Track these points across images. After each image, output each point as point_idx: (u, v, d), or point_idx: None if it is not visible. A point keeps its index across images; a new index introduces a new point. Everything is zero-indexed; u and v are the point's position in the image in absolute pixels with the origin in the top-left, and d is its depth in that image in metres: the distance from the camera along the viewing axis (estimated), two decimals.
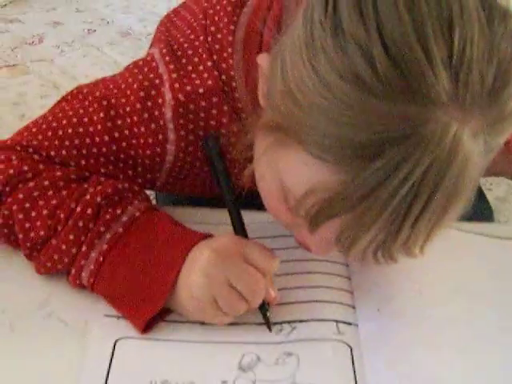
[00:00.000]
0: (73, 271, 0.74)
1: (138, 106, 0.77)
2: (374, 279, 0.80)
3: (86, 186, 0.76)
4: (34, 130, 0.79)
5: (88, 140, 0.78)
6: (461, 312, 0.77)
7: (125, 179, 0.80)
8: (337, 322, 0.74)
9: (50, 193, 0.75)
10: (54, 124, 0.78)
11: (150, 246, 0.73)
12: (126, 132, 0.78)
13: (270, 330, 0.74)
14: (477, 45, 0.52)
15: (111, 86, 0.80)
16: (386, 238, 0.57)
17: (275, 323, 0.74)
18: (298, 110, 0.56)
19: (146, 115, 0.77)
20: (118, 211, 0.74)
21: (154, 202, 1.14)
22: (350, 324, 0.75)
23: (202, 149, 0.78)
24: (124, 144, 0.78)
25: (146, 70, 0.79)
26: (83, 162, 0.78)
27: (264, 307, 0.73)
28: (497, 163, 0.62)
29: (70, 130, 0.78)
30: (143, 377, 0.68)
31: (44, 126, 0.79)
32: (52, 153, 0.77)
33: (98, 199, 0.74)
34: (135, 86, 0.78)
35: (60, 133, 0.78)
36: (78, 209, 0.73)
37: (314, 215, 0.58)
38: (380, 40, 0.51)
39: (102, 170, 0.79)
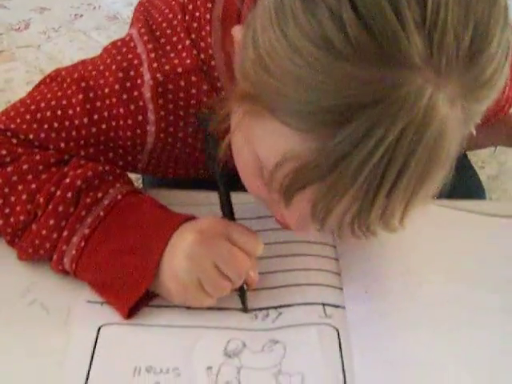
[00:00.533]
0: (55, 257, 0.73)
1: (117, 87, 0.76)
2: (362, 260, 0.79)
3: (66, 169, 0.74)
4: (12, 113, 0.78)
5: (67, 123, 0.76)
6: (450, 292, 0.76)
7: (106, 162, 0.79)
8: (324, 304, 0.73)
9: (30, 177, 0.74)
10: (33, 107, 0.77)
11: (132, 230, 0.71)
12: (105, 114, 0.76)
13: (246, 311, 0.73)
14: (451, 8, 0.50)
15: (90, 68, 0.79)
16: (361, 208, 0.55)
17: (261, 309, 0.73)
18: (268, 76, 0.54)
19: (124, 96, 0.76)
20: (99, 195, 0.73)
21: (141, 185, 1.13)
22: (337, 307, 0.73)
23: (199, 128, 0.76)
24: (104, 126, 0.77)
25: (124, 50, 0.78)
26: (62, 145, 0.77)
27: (242, 289, 0.72)
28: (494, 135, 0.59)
29: (48, 113, 0.76)
30: (127, 363, 0.67)
31: (22, 110, 0.77)
32: (31, 136, 0.76)
33: (79, 182, 0.72)
34: (114, 67, 0.77)
35: (38, 116, 0.76)
36: (58, 193, 0.72)
37: (286, 186, 0.57)
38: (350, 3, 0.50)
39: (82, 153, 0.78)
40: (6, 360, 0.67)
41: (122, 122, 0.77)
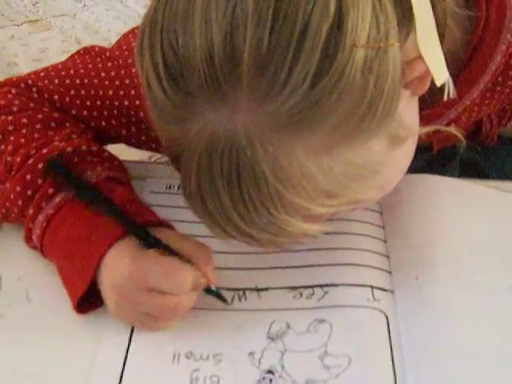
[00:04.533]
0: (24, 233, 0.71)
1: None
2: (411, 243, 0.75)
3: (56, 137, 0.73)
4: (42, 74, 0.80)
5: (93, 91, 0.77)
6: (505, 281, 0.71)
7: (128, 136, 0.80)
8: (372, 287, 0.70)
9: (24, 131, 0.73)
10: (63, 73, 0.79)
11: (91, 219, 0.68)
12: (132, 92, 0.76)
13: (226, 302, 0.68)
14: None
15: (124, 48, 0.79)
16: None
17: (306, 287, 0.71)
18: None
19: None
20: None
21: None
22: (385, 290, 0.70)
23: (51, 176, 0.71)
24: (126, 103, 0.77)
25: None
26: (85, 113, 0.78)
27: (210, 289, 0.67)
28: None
29: (77, 81, 0.78)
30: (166, 349, 0.64)
31: (52, 73, 0.79)
32: (55, 97, 0.78)
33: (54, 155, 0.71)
34: None
35: (67, 81, 0.78)
36: (31, 160, 0.70)
37: None
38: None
39: (103, 124, 0.78)
40: (40, 343, 0.66)
41: (144, 103, 0.75)
